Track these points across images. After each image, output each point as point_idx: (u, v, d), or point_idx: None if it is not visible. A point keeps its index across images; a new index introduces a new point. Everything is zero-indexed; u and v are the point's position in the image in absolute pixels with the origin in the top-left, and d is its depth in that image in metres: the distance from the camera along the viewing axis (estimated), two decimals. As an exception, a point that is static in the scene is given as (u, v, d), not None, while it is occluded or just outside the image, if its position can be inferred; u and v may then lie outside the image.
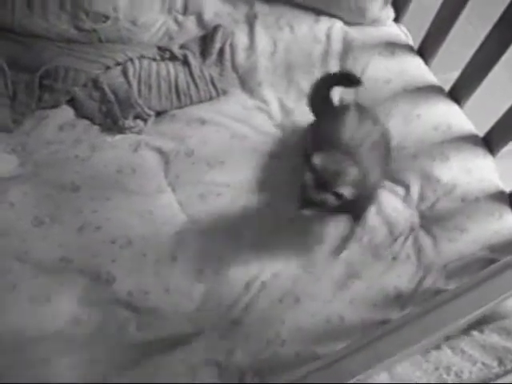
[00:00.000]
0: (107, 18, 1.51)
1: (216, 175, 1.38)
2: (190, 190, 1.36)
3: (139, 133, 1.44)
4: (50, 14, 1.51)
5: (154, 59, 1.51)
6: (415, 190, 1.38)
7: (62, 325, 1.19)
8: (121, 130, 1.43)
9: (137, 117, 1.44)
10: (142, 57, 1.51)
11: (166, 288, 1.24)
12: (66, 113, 1.46)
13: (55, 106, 1.45)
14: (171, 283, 1.24)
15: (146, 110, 1.44)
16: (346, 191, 1.12)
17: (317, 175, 1.13)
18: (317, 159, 1.13)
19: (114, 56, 1.49)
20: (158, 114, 1.47)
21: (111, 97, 1.45)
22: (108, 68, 1.48)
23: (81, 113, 1.46)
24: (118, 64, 1.49)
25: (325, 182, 1.12)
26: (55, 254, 1.26)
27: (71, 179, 1.35)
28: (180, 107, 1.47)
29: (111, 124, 1.44)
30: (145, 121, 1.45)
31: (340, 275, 1.27)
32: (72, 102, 1.46)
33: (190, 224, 1.32)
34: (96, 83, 1.46)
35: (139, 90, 1.46)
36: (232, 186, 1.37)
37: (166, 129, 1.45)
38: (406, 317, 0.94)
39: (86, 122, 1.45)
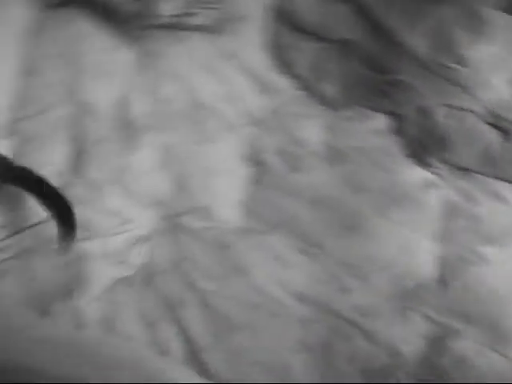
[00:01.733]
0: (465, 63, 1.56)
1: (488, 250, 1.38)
2: (454, 250, 1.39)
3: (434, 173, 1.49)
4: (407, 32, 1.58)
5: (484, 119, 1.54)
6: None
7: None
8: (422, 162, 1.49)
9: (441, 159, 1.50)
10: (471, 111, 1.54)
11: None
12: (385, 123, 1.55)
13: (383, 111, 1.55)
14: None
15: (454, 158, 1.50)
16: None
17: None
18: None
19: (454, 98, 1.54)
20: (460, 168, 1.51)
21: (432, 131, 1.51)
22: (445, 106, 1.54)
23: (397, 128, 1.54)
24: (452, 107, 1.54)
25: None
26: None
27: (361, 179, 1.45)
28: (486, 174, 1.50)
29: (416, 153, 1.50)
30: (446, 166, 1.50)
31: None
32: (395, 116, 1.55)
33: (437, 280, 1.35)
34: (426, 110, 1.53)
35: (454, 141, 1.51)
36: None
37: (461, 184, 1.48)
38: None
39: (394, 139, 1.53)
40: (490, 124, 1.53)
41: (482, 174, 1.50)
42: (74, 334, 0.93)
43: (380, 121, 1.55)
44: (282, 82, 1.57)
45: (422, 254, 1.37)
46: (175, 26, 1.56)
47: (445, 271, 1.35)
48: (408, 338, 1.28)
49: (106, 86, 1.45)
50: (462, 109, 1.53)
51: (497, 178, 1.49)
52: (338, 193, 1.41)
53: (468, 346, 1.27)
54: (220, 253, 1.31)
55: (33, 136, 1.32)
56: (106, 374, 0.78)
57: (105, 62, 1.52)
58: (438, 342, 1.28)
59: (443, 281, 1.34)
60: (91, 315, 1.18)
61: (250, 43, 1.60)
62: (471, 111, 1.54)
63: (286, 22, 1.61)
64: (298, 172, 1.42)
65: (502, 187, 1.48)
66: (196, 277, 1.28)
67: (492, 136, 1.52)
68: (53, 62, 1.49)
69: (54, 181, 1.22)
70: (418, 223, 1.41)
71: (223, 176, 1.44)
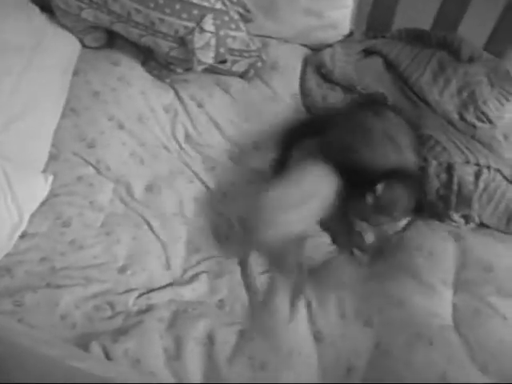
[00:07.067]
0: (491, 122, 1.61)
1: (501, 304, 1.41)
2: (468, 300, 1.43)
3: (458, 228, 1.55)
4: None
5: (507, 179, 1.58)
6: None
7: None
8: (444, 218, 1.56)
9: (464, 217, 1.55)
10: (498, 170, 1.57)
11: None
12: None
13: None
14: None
15: (474, 217, 1.54)
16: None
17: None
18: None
19: (478, 156, 1.57)
20: (482, 224, 1.56)
21: (455, 187, 1.55)
22: (466, 163, 1.57)
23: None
24: (477, 164, 1.57)
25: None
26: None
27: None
28: (506, 231, 1.54)
29: (440, 211, 1.57)
30: (468, 223, 1.55)
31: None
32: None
33: (451, 329, 1.39)
34: (450, 168, 1.56)
35: (480, 197, 1.55)
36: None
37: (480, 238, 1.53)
38: None
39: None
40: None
41: (502, 230, 1.54)
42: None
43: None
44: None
45: (440, 308, 1.43)
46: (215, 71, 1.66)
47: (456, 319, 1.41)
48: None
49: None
50: (488, 167, 1.57)
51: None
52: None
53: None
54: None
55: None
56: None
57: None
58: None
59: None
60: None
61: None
62: (497, 170, 1.57)
63: (318, 73, 1.70)
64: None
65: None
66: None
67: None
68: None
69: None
70: (434, 276, 1.46)
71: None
